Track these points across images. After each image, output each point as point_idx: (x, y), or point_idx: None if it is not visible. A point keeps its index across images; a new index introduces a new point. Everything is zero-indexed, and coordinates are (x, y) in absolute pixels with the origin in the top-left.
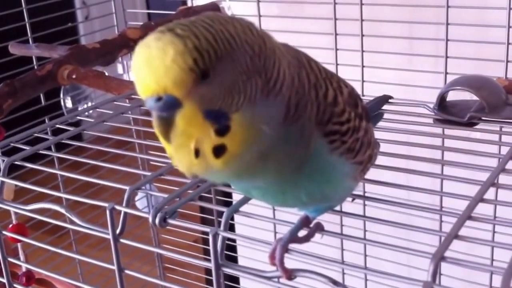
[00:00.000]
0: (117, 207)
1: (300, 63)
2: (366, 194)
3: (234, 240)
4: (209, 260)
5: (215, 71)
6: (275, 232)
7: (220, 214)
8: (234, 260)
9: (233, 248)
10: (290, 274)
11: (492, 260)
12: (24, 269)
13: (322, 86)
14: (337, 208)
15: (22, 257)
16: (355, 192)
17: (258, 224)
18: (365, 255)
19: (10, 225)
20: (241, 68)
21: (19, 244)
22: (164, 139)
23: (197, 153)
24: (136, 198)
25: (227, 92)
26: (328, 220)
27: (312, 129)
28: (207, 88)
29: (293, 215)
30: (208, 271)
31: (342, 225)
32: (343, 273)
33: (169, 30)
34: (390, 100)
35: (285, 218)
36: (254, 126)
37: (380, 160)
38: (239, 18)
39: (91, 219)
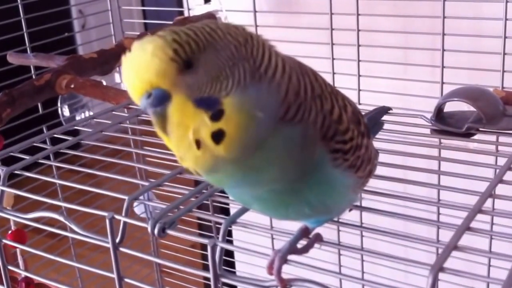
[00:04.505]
0: (117, 217)
1: (303, 70)
2: (363, 204)
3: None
4: (207, 268)
5: (198, 61)
6: (272, 240)
7: (218, 222)
8: (231, 265)
9: (230, 254)
10: (286, 284)
11: (489, 269)
12: (23, 275)
13: (328, 100)
14: (334, 218)
15: (21, 262)
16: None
17: (256, 232)
18: (363, 271)
19: (10, 231)
20: (226, 55)
21: (18, 250)
22: (164, 134)
23: (198, 144)
24: (135, 204)
25: (214, 78)
26: (324, 232)
27: (316, 137)
28: (193, 77)
29: (290, 224)
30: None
31: (339, 238)
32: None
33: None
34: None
35: (283, 228)
36: (247, 108)
37: (377, 170)
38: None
39: (88, 224)
